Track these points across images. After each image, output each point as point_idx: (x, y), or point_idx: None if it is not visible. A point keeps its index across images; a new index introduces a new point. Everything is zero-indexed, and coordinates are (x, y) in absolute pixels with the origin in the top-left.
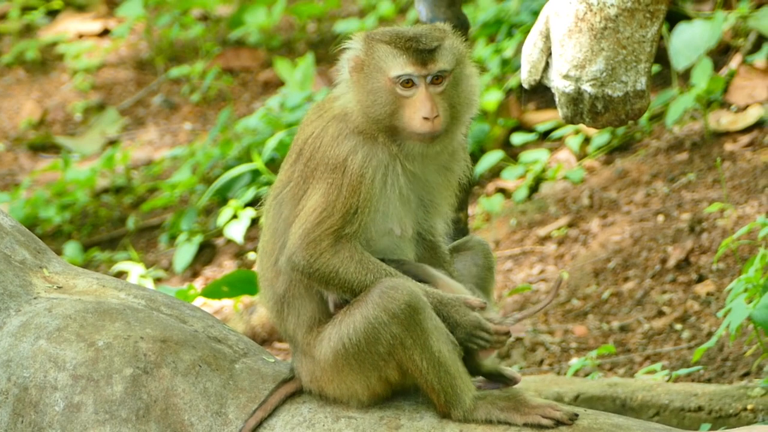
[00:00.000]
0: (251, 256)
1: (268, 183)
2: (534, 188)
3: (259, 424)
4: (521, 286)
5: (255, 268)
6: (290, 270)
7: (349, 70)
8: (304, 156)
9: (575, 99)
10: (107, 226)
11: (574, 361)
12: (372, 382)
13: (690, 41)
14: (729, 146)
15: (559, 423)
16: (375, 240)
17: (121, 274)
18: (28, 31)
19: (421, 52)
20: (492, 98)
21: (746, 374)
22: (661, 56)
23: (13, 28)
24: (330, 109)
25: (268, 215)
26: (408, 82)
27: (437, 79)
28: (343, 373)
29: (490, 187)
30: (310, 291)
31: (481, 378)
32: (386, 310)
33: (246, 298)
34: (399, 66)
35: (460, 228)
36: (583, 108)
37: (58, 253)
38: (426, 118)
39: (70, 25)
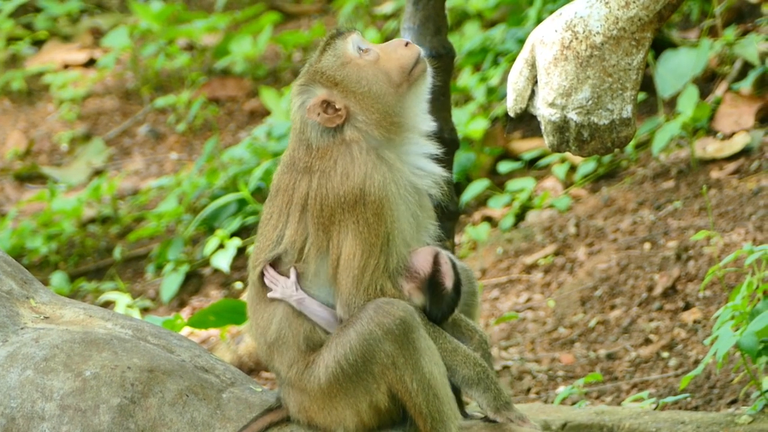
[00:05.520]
0: (238, 285)
1: (254, 212)
2: (520, 216)
3: None
4: (508, 314)
5: (246, 303)
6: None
7: (321, 120)
8: (312, 209)
9: (561, 127)
10: (94, 256)
11: (561, 390)
12: (362, 408)
13: (676, 69)
14: (715, 174)
15: None
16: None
17: (107, 304)
18: (14, 61)
19: (339, 31)
20: (478, 126)
21: (733, 402)
22: (647, 84)
23: None
24: (318, 157)
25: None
26: (363, 49)
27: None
28: (335, 399)
29: (477, 215)
30: (297, 339)
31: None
32: (381, 325)
33: (233, 328)
34: (350, 44)
35: None
36: (569, 136)
37: (45, 283)
38: (405, 44)
39: (56, 55)
